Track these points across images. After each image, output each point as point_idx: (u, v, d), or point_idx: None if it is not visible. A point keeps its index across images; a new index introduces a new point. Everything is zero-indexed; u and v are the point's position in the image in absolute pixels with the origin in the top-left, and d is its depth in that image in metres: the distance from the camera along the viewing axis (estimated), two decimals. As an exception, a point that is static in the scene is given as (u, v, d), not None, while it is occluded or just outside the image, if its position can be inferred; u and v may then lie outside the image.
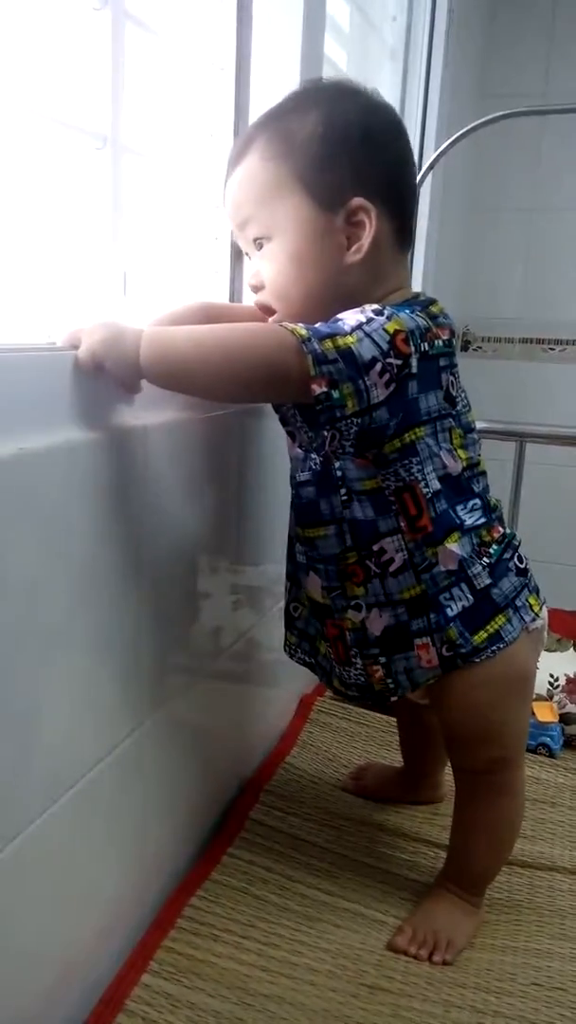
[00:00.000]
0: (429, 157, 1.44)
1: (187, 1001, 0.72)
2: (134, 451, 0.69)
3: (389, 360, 0.67)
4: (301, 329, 0.65)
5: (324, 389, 0.64)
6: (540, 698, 1.21)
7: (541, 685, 1.22)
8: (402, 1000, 0.74)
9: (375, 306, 0.70)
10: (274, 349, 0.65)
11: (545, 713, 1.19)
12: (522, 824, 0.87)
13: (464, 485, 0.78)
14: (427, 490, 0.75)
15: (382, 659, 0.80)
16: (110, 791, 0.72)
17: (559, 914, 0.87)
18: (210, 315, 0.79)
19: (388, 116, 0.77)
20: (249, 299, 1.00)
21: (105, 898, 0.74)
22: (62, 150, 0.77)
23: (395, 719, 1.10)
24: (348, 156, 0.72)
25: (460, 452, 0.77)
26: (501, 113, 1.29)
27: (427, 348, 0.72)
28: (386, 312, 0.69)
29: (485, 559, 0.78)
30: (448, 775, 1.00)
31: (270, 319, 0.78)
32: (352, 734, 1.21)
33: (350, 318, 0.68)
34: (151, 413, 0.70)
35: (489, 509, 0.80)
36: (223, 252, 0.99)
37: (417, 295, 0.78)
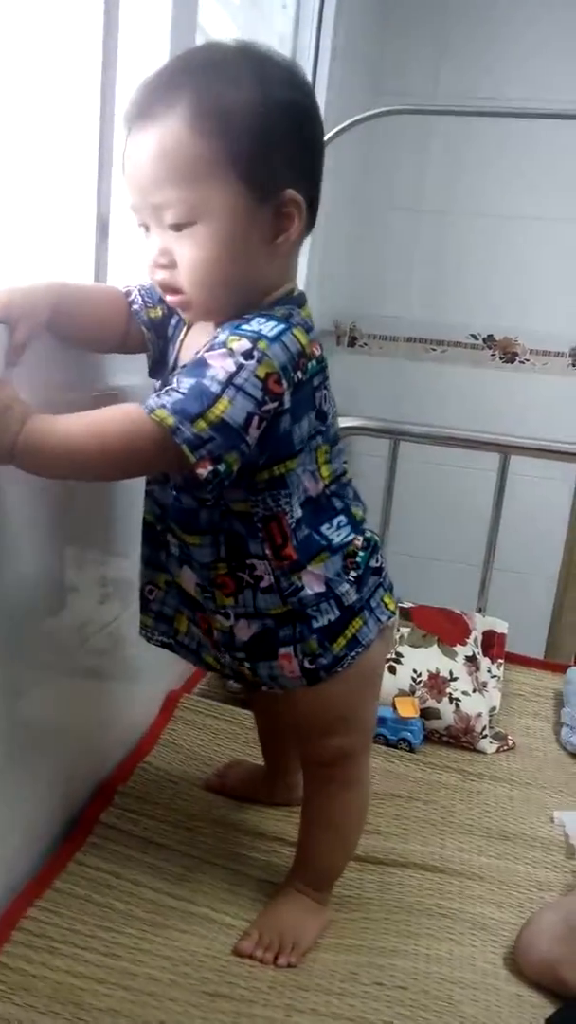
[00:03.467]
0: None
1: (16, 1020, 0.68)
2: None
3: (266, 407, 0.65)
4: (168, 417, 0.62)
5: (210, 468, 0.63)
6: (403, 693, 1.23)
7: (404, 680, 1.24)
8: (243, 1007, 0.73)
9: (245, 343, 0.65)
10: (150, 451, 0.64)
11: (407, 708, 1.20)
12: (377, 820, 0.87)
13: (325, 503, 0.77)
14: (291, 520, 0.73)
15: (247, 663, 0.79)
16: None
17: (406, 911, 0.88)
18: (62, 295, 0.74)
19: (313, 96, 0.71)
20: (113, 279, 0.97)
21: None
22: None
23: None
24: (287, 143, 0.67)
25: (323, 470, 0.76)
26: (379, 110, 1.29)
27: (300, 376, 0.69)
28: (256, 353, 0.64)
29: (353, 572, 0.77)
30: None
31: (171, 299, 0.71)
32: (217, 731, 1.19)
33: (217, 367, 0.64)
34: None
35: (356, 521, 0.79)
36: (88, 228, 0.94)
37: (291, 291, 0.74)
